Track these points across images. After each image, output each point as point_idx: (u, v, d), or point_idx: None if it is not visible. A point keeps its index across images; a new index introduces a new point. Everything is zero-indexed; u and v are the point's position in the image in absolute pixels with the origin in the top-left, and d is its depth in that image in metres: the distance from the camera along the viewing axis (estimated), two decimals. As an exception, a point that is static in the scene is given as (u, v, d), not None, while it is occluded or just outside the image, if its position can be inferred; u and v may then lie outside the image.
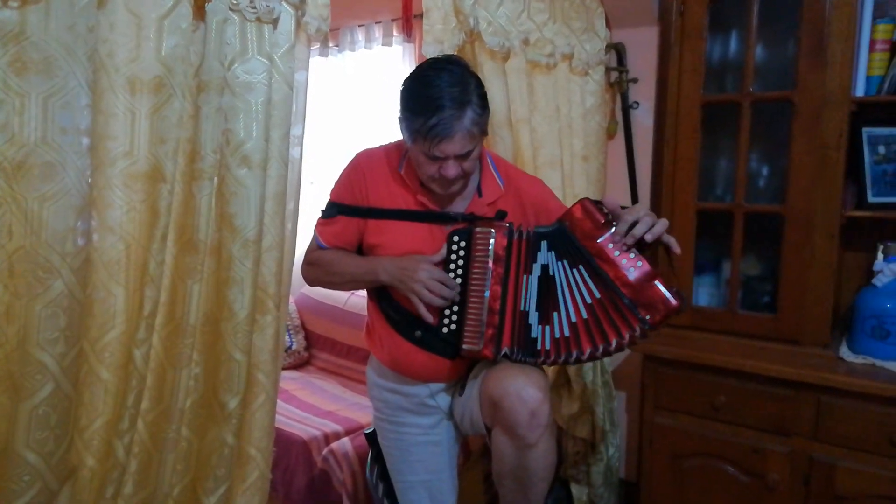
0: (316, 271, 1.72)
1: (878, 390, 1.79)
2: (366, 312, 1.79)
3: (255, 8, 1.27)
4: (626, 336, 1.49)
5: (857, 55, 1.92)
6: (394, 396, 1.76)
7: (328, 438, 2.39)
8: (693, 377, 2.09)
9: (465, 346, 1.58)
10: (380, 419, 1.82)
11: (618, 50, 2.47)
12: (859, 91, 1.95)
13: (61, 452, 1.09)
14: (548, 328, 1.55)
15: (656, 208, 2.43)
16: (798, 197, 1.97)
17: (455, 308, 1.59)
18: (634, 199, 2.54)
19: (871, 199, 1.99)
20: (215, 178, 1.29)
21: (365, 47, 3.12)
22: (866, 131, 2.01)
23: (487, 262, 1.56)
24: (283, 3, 1.34)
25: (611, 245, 1.49)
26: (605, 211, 1.51)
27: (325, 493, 2.25)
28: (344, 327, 3.13)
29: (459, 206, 1.66)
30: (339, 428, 2.45)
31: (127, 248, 1.16)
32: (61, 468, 1.10)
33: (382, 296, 1.68)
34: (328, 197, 1.70)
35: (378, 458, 1.87)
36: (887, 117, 2.01)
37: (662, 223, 1.47)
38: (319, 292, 3.25)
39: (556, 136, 2.18)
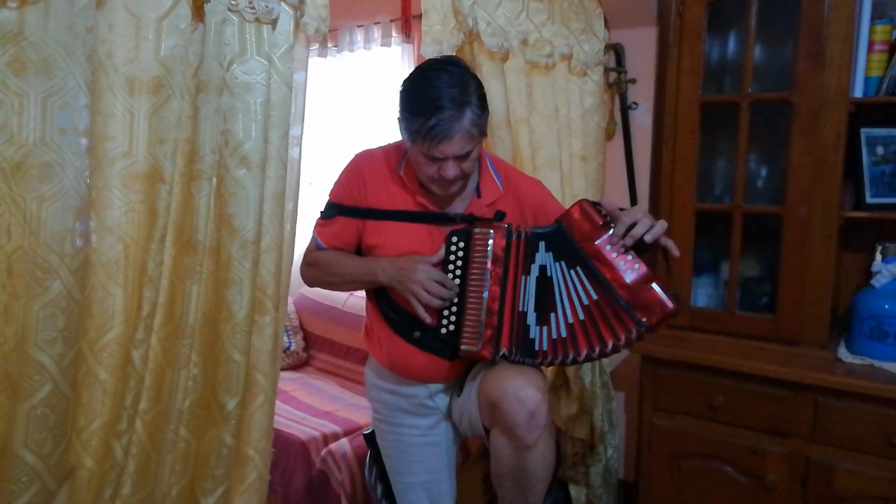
0: (315, 272, 1.72)
1: (877, 391, 1.80)
2: (364, 313, 1.79)
3: (253, 8, 1.27)
4: (623, 338, 1.49)
5: (856, 56, 1.92)
6: (392, 397, 1.76)
7: (327, 439, 2.38)
8: (691, 378, 2.09)
9: (463, 347, 1.57)
10: (378, 420, 1.82)
11: (616, 50, 2.47)
12: (858, 92, 1.95)
13: (59, 453, 1.09)
14: (545, 329, 1.55)
15: (655, 209, 2.43)
16: (796, 198, 1.97)
17: (454, 309, 1.59)
18: (633, 200, 2.54)
19: (869, 199, 2.00)
20: (214, 179, 1.28)
21: (364, 48, 3.12)
22: (865, 132, 2.02)
23: (486, 263, 1.56)
24: (282, 4, 1.34)
25: (608, 247, 1.49)
26: (604, 212, 1.51)
27: (323, 493, 2.25)
28: (342, 328, 3.13)
29: (458, 207, 1.66)
30: (337, 429, 2.45)
31: (125, 249, 1.16)
32: (59, 469, 1.10)
33: (381, 297, 1.68)
34: (327, 198, 1.70)
35: (377, 458, 1.87)
36: (885, 118, 2.01)
37: (660, 226, 1.47)
38: (318, 293, 3.25)
39: (555, 136, 2.18)
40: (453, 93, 1.45)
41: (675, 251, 1.49)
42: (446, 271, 1.58)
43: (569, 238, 1.53)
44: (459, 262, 1.58)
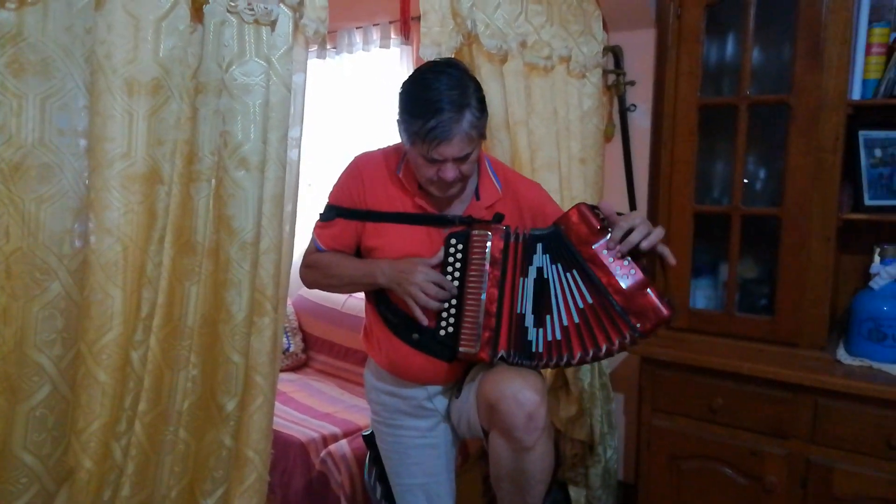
0: (314, 274, 1.72)
1: (876, 393, 1.80)
2: (363, 314, 1.79)
3: (252, 10, 1.27)
4: (616, 342, 1.50)
5: (854, 59, 1.93)
6: (391, 399, 1.76)
7: (326, 440, 2.38)
8: (690, 379, 2.09)
9: (461, 349, 1.57)
10: (377, 422, 1.82)
11: (615, 52, 2.48)
12: (855, 94, 1.95)
13: (58, 454, 1.08)
14: (541, 331, 1.56)
15: (653, 211, 2.43)
16: (795, 200, 1.97)
17: (452, 311, 1.59)
18: (632, 202, 2.54)
19: (867, 201, 2.00)
20: (213, 180, 1.28)
21: (363, 49, 3.12)
22: (863, 134, 2.02)
23: (484, 265, 1.56)
24: (281, 5, 1.34)
25: (605, 251, 1.49)
26: (602, 216, 1.52)
27: (323, 495, 2.25)
28: (342, 329, 3.13)
29: (457, 209, 1.66)
30: (337, 430, 2.45)
31: (124, 250, 1.16)
32: (58, 470, 1.10)
33: (380, 298, 1.68)
34: (326, 199, 1.70)
35: (376, 460, 1.86)
36: (883, 120, 2.02)
37: (657, 233, 1.47)
38: (317, 294, 3.25)
39: (554, 138, 2.18)
40: (452, 95, 1.46)
41: (672, 259, 1.49)
42: (445, 273, 1.58)
43: (566, 241, 1.53)
44: (458, 265, 1.58)
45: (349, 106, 3.29)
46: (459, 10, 1.81)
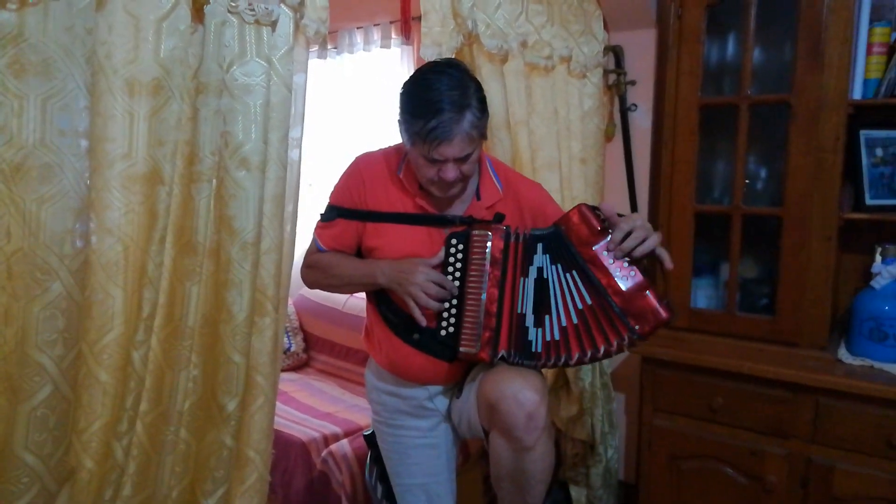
0: (315, 274, 1.72)
1: (877, 392, 1.80)
2: (364, 314, 1.79)
3: (253, 10, 1.27)
4: (615, 344, 1.50)
5: (855, 58, 1.93)
6: (392, 399, 1.76)
7: (327, 440, 2.39)
8: (691, 379, 2.09)
9: (462, 349, 1.57)
10: (378, 422, 1.82)
11: (616, 52, 2.47)
12: (856, 94, 1.95)
13: (60, 454, 1.09)
14: (540, 331, 1.56)
15: (654, 211, 2.43)
16: (795, 199, 1.97)
17: (453, 311, 1.59)
18: (632, 202, 2.54)
19: (868, 201, 2.00)
20: (214, 181, 1.29)
21: (363, 49, 3.12)
22: (864, 134, 2.02)
23: (484, 265, 1.56)
24: (282, 6, 1.34)
25: (605, 253, 1.49)
26: (602, 218, 1.51)
27: (324, 494, 2.25)
28: (342, 329, 3.13)
29: (458, 210, 1.66)
30: (337, 430, 2.45)
31: (125, 250, 1.16)
32: (60, 470, 1.10)
33: (381, 299, 1.68)
34: (327, 200, 1.70)
35: (377, 459, 1.87)
36: (884, 120, 2.02)
37: (654, 239, 1.47)
38: (318, 294, 3.25)
39: (555, 138, 2.18)
40: (453, 95, 1.45)
41: (669, 263, 1.49)
42: (445, 273, 1.58)
43: (566, 242, 1.53)
44: (459, 265, 1.58)
45: (350, 106, 3.29)
46: (460, 10, 1.81)
